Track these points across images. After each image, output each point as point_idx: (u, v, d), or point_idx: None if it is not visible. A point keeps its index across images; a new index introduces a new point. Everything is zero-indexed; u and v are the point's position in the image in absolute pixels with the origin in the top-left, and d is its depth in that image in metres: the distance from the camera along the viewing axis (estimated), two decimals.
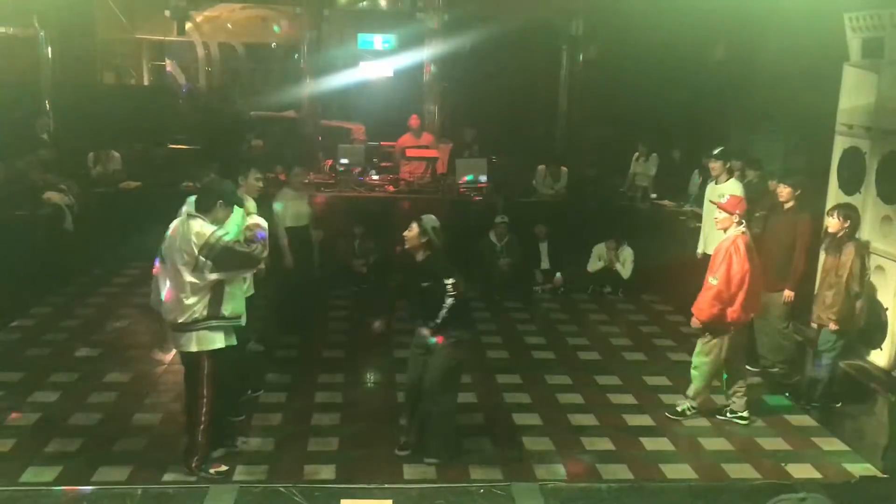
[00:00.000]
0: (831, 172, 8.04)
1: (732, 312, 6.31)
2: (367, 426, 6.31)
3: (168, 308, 5.29)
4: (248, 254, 5.29)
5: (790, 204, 7.30)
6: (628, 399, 6.95)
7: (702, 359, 6.52)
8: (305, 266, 8.23)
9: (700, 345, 6.53)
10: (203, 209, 5.25)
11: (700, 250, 8.26)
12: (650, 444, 6.18)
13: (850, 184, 7.74)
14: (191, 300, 5.18)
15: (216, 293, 5.24)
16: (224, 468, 5.52)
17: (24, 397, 6.56)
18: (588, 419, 6.59)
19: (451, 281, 5.45)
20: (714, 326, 6.38)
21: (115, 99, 13.19)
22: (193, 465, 5.42)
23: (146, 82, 17.61)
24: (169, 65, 18.12)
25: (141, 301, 8.78)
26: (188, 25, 15.38)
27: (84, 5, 12.97)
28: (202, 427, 5.38)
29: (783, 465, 5.89)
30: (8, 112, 10.86)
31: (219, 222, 5.29)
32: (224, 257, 5.16)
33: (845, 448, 6.21)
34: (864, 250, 6.71)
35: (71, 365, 7.29)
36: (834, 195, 7.99)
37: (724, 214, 6.40)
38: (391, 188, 11.09)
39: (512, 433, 6.28)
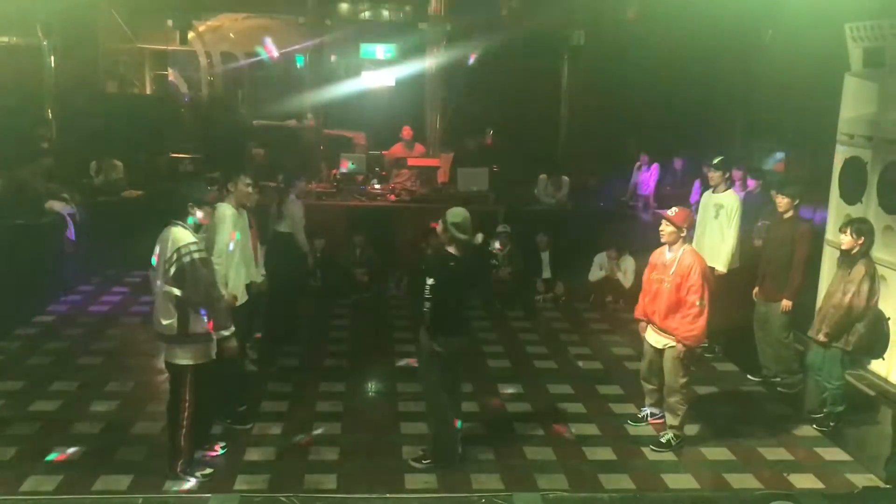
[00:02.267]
0: (833, 182, 8.05)
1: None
2: (368, 436, 6.29)
3: (154, 317, 5.31)
4: (212, 281, 5.22)
5: (789, 214, 7.27)
6: (630, 409, 6.91)
7: (680, 381, 6.14)
8: (301, 272, 8.22)
9: (677, 368, 6.10)
10: (178, 216, 5.22)
11: None
12: (652, 453, 6.15)
13: (852, 193, 7.76)
14: (165, 312, 5.17)
15: (181, 309, 5.14)
16: (209, 471, 5.51)
17: (25, 406, 6.56)
18: (590, 429, 6.57)
19: (430, 282, 5.36)
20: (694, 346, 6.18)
21: (118, 108, 13.20)
22: (178, 469, 5.42)
23: (149, 91, 17.61)
24: (171, 74, 18.12)
25: (142, 310, 8.83)
26: (191, 35, 15.42)
27: (87, 15, 12.99)
28: (184, 431, 5.38)
29: (785, 475, 5.86)
30: (10, 121, 10.88)
31: (206, 225, 5.28)
32: (185, 272, 5.06)
33: (848, 458, 6.18)
34: (873, 269, 6.49)
35: (72, 374, 7.29)
36: (835, 205, 8.00)
37: (671, 228, 6.01)
38: (392, 197, 11.11)
39: (513, 442, 6.26)
